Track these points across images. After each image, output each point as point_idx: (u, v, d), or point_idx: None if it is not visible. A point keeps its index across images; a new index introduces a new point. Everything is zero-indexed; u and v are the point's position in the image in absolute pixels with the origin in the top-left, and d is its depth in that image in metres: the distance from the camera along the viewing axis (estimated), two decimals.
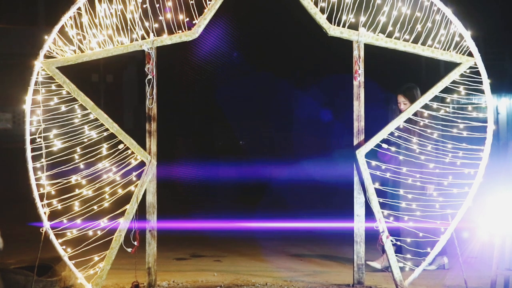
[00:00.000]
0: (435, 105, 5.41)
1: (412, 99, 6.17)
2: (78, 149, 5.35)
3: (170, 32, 5.38)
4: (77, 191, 5.32)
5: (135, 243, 5.30)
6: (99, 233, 5.28)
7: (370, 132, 5.51)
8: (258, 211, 10.05)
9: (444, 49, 5.36)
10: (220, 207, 12.04)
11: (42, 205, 5.29)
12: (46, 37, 5.36)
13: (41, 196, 5.29)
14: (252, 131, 17.58)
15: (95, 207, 5.29)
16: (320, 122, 17.21)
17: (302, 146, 16.10)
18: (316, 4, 5.31)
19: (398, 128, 5.43)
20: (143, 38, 5.39)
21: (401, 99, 6.34)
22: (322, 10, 5.32)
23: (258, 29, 16.13)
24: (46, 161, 5.31)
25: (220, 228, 9.10)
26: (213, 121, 17.15)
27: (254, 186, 12.56)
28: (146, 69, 5.38)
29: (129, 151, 5.38)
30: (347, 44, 5.45)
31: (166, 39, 5.40)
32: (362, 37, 5.35)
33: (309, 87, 16.83)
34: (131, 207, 5.32)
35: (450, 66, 5.47)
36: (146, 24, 5.35)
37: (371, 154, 5.55)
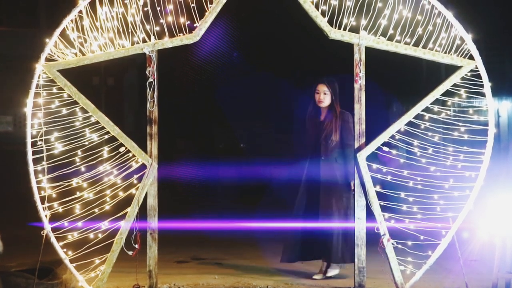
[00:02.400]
0: (436, 108, 5.41)
1: (334, 90, 6.13)
2: (79, 152, 5.35)
3: (171, 35, 5.38)
4: (78, 194, 5.33)
5: (136, 246, 5.30)
6: (100, 236, 5.28)
7: (371, 134, 5.51)
8: (258, 212, 10.03)
9: (445, 52, 5.36)
10: (221, 208, 12.04)
11: (43, 208, 5.29)
12: (47, 40, 5.36)
13: (42, 199, 5.30)
14: (252, 132, 17.56)
15: (96, 210, 5.30)
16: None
17: (302, 146, 16.04)
18: (317, 7, 5.31)
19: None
20: (144, 41, 5.39)
21: (323, 88, 6.13)
22: (323, 13, 5.32)
23: (259, 29, 16.12)
24: (47, 164, 5.31)
25: (220, 228, 9.09)
26: (213, 122, 17.15)
27: (254, 186, 12.53)
28: (147, 72, 5.38)
29: (130, 154, 5.38)
30: (348, 45, 5.45)
31: (167, 42, 5.40)
32: (363, 40, 5.35)
33: (309, 87, 16.79)
34: (132, 210, 5.32)
35: (451, 69, 5.47)
36: (147, 27, 5.36)
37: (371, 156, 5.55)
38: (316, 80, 6.23)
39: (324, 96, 6.12)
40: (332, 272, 6.12)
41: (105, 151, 5.37)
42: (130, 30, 5.35)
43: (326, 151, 6.10)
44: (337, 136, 6.08)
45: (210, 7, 5.34)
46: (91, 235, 5.28)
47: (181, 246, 8.00)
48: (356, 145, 5.45)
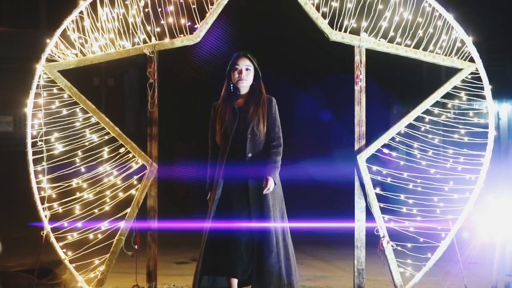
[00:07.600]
0: (436, 110, 5.41)
1: (256, 66, 4.92)
2: (79, 152, 5.35)
3: (172, 36, 5.38)
4: (78, 195, 5.33)
5: (136, 246, 5.30)
6: (99, 236, 5.28)
7: (371, 135, 5.50)
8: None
9: (446, 55, 5.37)
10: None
11: (43, 208, 5.29)
12: (48, 40, 5.36)
13: (42, 199, 5.30)
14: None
15: (95, 210, 5.30)
16: (320, 122, 17.20)
17: (302, 147, 16.05)
18: (318, 9, 5.32)
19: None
20: (144, 42, 5.39)
21: (246, 62, 4.85)
22: (324, 15, 5.32)
23: (259, 29, 16.12)
24: (47, 164, 5.31)
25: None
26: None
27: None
28: (147, 73, 5.38)
29: (130, 155, 5.38)
30: (348, 46, 5.44)
31: (168, 43, 5.40)
32: (363, 42, 5.35)
33: (309, 87, 16.82)
34: (132, 211, 5.32)
35: (452, 71, 5.47)
36: (148, 28, 5.36)
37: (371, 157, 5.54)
38: (237, 55, 4.92)
39: (247, 73, 4.85)
40: None
41: (105, 152, 5.37)
42: (130, 31, 5.35)
43: (253, 147, 4.77)
44: (264, 126, 4.82)
45: (211, 8, 5.35)
46: (91, 236, 5.29)
47: (181, 247, 7.99)
48: (357, 147, 5.44)
